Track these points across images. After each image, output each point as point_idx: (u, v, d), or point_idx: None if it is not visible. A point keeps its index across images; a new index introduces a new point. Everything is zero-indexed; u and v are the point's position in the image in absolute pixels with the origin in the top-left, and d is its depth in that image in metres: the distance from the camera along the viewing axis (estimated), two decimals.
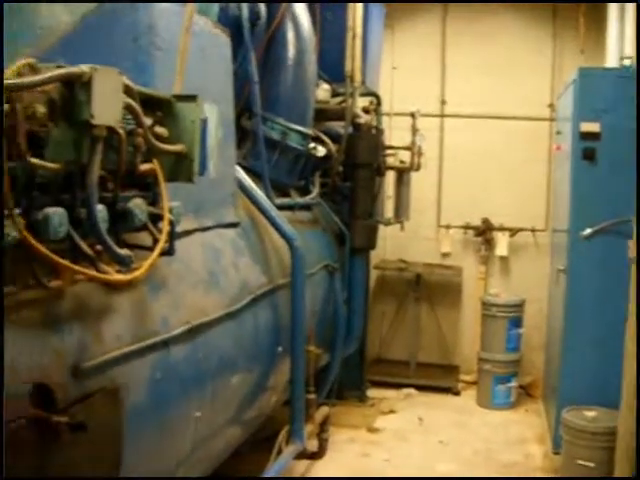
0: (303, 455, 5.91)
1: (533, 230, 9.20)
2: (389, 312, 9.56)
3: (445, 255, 9.52)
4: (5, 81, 2.40)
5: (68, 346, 2.82)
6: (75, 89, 2.65)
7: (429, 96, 9.39)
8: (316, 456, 6.44)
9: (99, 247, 2.90)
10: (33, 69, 2.58)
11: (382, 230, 7.99)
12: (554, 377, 6.74)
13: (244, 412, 4.82)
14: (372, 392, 8.40)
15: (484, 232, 9.28)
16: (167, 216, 3.33)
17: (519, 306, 8.37)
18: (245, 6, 5.58)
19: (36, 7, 3.86)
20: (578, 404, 5.93)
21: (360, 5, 7.19)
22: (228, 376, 4.31)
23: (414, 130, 8.15)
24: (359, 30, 7.17)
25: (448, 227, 9.46)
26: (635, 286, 4.75)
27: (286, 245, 5.35)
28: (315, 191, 6.91)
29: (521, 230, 9.23)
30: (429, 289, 9.43)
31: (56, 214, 2.62)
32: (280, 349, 5.21)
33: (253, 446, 5.67)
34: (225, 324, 4.23)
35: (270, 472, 5.06)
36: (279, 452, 5.34)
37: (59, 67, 2.62)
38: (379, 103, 7.83)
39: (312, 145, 6.59)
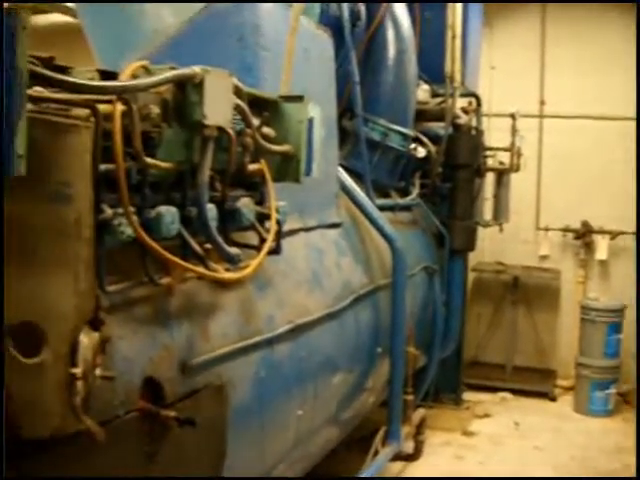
0: (399, 457, 5.91)
1: (634, 233, 8.98)
2: (486, 314, 9.46)
3: (543, 258, 9.37)
4: (122, 83, 2.46)
5: (177, 342, 2.87)
6: (187, 90, 2.70)
7: (528, 96, 9.23)
8: (411, 458, 6.39)
9: (208, 245, 2.94)
10: (147, 71, 2.63)
11: (480, 232, 7.91)
12: None
13: (343, 411, 4.84)
14: (467, 395, 8.32)
15: (584, 235, 9.10)
16: (274, 215, 3.36)
17: (619, 311, 8.16)
18: (345, 6, 5.59)
19: (142, 9, 3.94)
20: None
21: (459, 4, 7.13)
22: (329, 375, 4.34)
23: (514, 131, 8.04)
24: (459, 30, 7.11)
25: (547, 229, 9.30)
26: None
27: (387, 246, 5.35)
28: (415, 192, 6.89)
29: (622, 233, 9.00)
30: (526, 292, 9.30)
31: (168, 212, 2.67)
32: (379, 350, 5.21)
33: (349, 446, 5.68)
34: (327, 324, 4.25)
35: (366, 472, 5.06)
36: (375, 453, 5.34)
37: (172, 69, 2.67)
38: (479, 104, 7.75)
39: (412, 146, 6.58)
